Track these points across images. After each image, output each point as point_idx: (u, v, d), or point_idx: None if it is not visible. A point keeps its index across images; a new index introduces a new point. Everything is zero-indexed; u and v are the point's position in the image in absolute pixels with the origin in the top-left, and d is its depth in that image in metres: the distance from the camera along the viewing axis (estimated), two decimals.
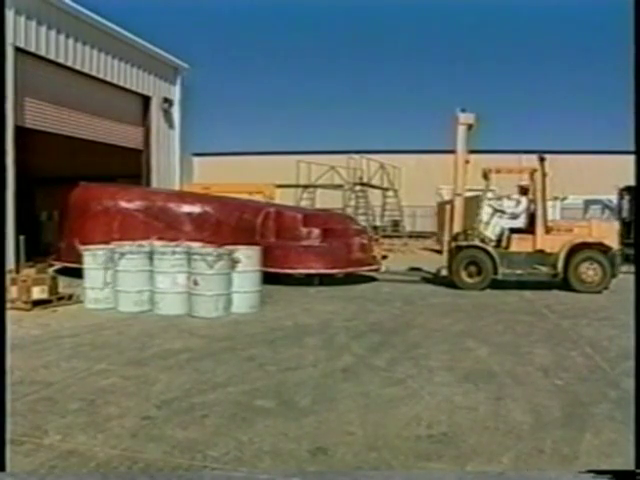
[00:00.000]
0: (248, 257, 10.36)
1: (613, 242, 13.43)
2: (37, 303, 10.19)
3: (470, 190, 27.01)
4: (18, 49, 13.65)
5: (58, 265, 13.99)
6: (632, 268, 13.59)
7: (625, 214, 19.92)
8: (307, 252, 13.97)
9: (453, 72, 73.36)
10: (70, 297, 10.80)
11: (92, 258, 10.65)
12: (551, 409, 5.35)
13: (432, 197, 32.10)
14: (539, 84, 71.11)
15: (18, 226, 12.73)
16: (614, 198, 22.39)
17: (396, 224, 32.94)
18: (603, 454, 4.36)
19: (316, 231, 14.13)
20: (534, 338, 8.47)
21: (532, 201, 14.24)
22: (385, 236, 28.98)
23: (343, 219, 17.13)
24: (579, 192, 27.16)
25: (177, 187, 20.76)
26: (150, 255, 10.33)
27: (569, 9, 58.96)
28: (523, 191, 14.98)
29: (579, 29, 67.91)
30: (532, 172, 13.89)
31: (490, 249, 13.64)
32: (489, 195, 23.78)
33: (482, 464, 4.20)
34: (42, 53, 14.80)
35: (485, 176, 14.19)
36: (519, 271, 13.53)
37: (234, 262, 10.15)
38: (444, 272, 14.20)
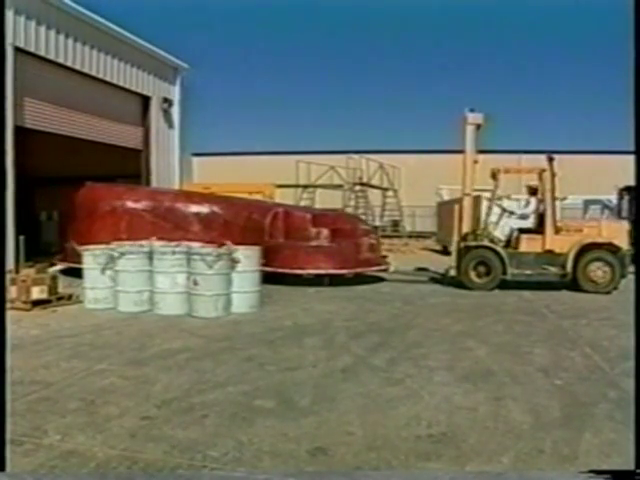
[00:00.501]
0: (247, 257, 10.36)
1: (623, 242, 13.37)
2: (37, 303, 10.19)
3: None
4: (17, 49, 13.66)
5: (61, 266, 13.93)
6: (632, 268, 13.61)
7: (625, 214, 19.91)
8: (317, 252, 13.92)
9: (451, 72, 73.30)
10: (70, 297, 10.80)
11: (92, 258, 10.65)
12: (551, 409, 5.35)
13: (432, 197, 32.09)
14: (536, 84, 71.14)
15: (17, 226, 12.73)
16: (614, 198, 22.39)
17: (396, 224, 32.96)
18: (602, 454, 4.36)
19: (325, 231, 14.09)
20: (534, 338, 8.46)
21: (541, 201, 14.21)
22: (385, 236, 28.96)
23: (351, 219, 17.06)
24: (578, 192, 27.16)
25: (177, 187, 20.76)
26: (150, 255, 10.33)
27: (567, 9, 58.86)
28: (532, 191, 14.93)
29: (576, 28, 67.77)
30: (541, 172, 13.82)
31: (499, 249, 13.60)
32: (487, 195, 23.85)
33: (482, 464, 4.20)
34: (42, 53, 14.81)
35: (494, 176, 14.13)
36: (528, 271, 13.48)
37: (234, 262, 10.16)
38: (453, 272, 14.17)
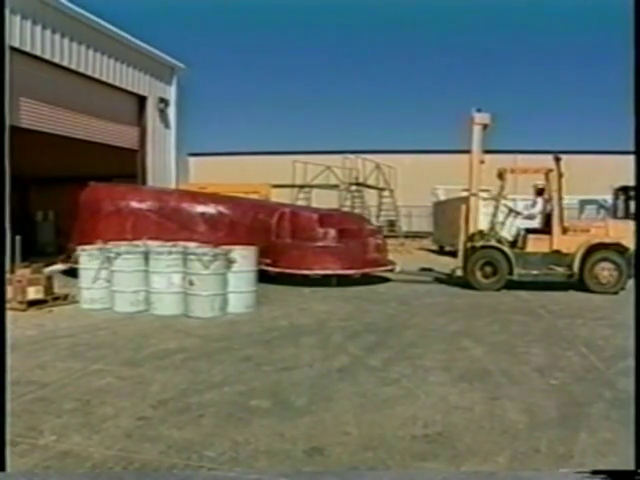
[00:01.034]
0: (244, 257, 10.36)
1: (630, 242, 13.22)
2: (32, 303, 10.17)
3: (465, 190, 27.09)
4: (13, 49, 13.62)
5: (64, 266, 13.83)
6: None
7: (620, 214, 19.94)
8: (324, 253, 13.87)
9: (447, 72, 73.38)
10: (66, 297, 10.79)
11: (87, 258, 10.64)
12: (547, 409, 5.36)
13: (428, 197, 32.11)
14: (530, 84, 71.20)
15: (13, 226, 12.70)
16: (609, 198, 22.42)
17: (392, 224, 32.94)
18: (598, 453, 4.37)
19: (332, 231, 14.05)
20: (530, 338, 8.48)
21: (548, 201, 14.21)
22: None
23: (357, 219, 17.00)
24: (574, 192, 27.18)
25: (173, 187, 20.72)
26: (146, 255, 10.32)
27: (564, 9, 58.93)
28: (538, 191, 14.92)
29: (569, 27, 67.79)
30: (547, 172, 13.80)
31: (506, 249, 13.57)
32: (483, 195, 23.85)
33: (478, 464, 4.20)
34: (37, 53, 14.78)
35: (500, 176, 14.08)
36: (535, 271, 13.46)
37: (230, 262, 10.15)
38: (459, 272, 14.17)
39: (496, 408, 5.36)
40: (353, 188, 30.10)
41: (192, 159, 41.77)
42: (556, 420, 5.08)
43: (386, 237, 29.80)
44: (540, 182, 14.61)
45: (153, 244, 10.97)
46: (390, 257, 15.82)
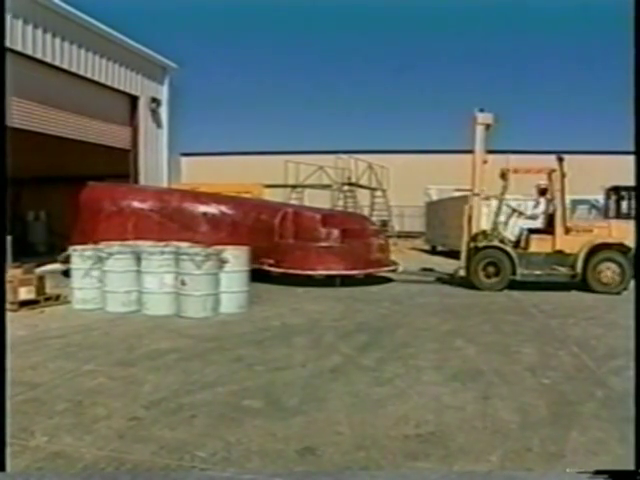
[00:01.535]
0: (236, 257, 10.35)
1: (633, 243, 13.18)
2: (24, 304, 10.14)
3: (458, 190, 27.12)
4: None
5: (62, 267, 13.78)
6: None
7: (612, 214, 20.03)
8: (328, 253, 13.83)
9: (440, 72, 73.48)
10: (57, 297, 10.76)
11: (79, 258, 10.61)
12: (538, 408, 5.38)
13: (420, 197, 32.17)
14: (522, 84, 71.24)
15: (3, 226, 12.63)
16: (601, 198, 22.52)
17: (384, 224, 32.96)
18: (589, 452, 4.39)
19: (335, 231, 14.00)
20: (522, 337, 8.50)
21: (550, 201, 14.24)
22: None
23: (360, 219, 16.91)
24: (566, 192, 27.28)
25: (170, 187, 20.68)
26: (138, 255, 10.30)
27: (565, 9, 59.00)
28: (541, 191, 14.92)
29: (572, 28, 67.88)
30: (550, 172, 13.81)
31: (509, 249, 13.57)
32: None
33: (470, 463, 4.22)
34: (29, 52, 14.72)
35: (503, 176, 14.03)
36: (538, 272, 13.46)
37: (222, 262, 10.14)
38: (462, 272, 14.18)
39: (488, 407, 5.38)
40: (345, 188, 30.11)
41: (184, 159, 41.69)
42: (548, 419, 5.10)
43: None
44: (543, 182, 14.61)
45: (145, 244, 10.95)
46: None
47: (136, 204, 14.34)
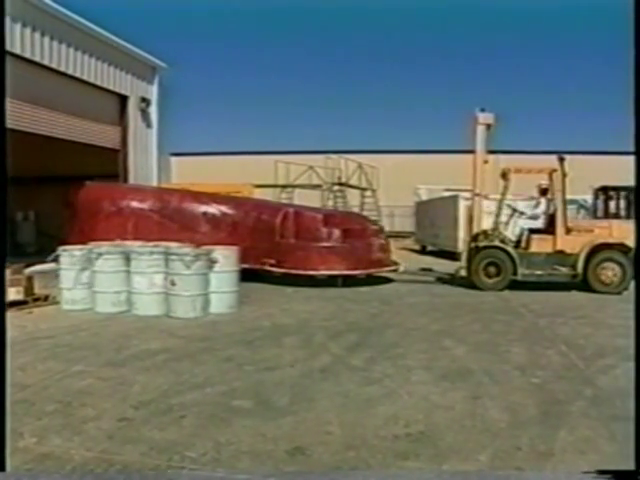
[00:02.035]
0: (226, 257, 10.34)
1: (633, 243, 13.12)
2: (12, 304, 10.07)
3: (448, 190, 27.18)
4: None
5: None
6: None
7: (600, 214, 20.15)
8: (330, 253, 13.81)
9: (435, 71, 73.58)
10: (46, 298, 10.71)
11: (69, 259, 10.57)
12: (527, 407, 5.39)
13: (410, 197, 32.22)
14: (514, 84, 71.43)
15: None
16: (589, 198, 22.65)
17: (374, 224, 32.99)
18: (578, 451, 4.41)
19: (337, 231, 13.99)
20: (511, 337, 8.53)
21: (551, 201, 14.27)
22: None
23: (360, 219, 16.91)
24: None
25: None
26: (127, 255, 10.27)
27: (565, 9, 59.15)
28: (542, 191, 14.93)
29: (573, 28, 68.01)
30: (551, 172, 13.81)
31: (510, 249, 13.60)
32: (466, 195, 23.95)
33: (459, 462, 4.23)
34: (17, 51, 14.65)
35: (504, 176, 14.04)
36: (539, 272, 13.49)
37: (212, 262, 10.13)
38: (463, 273, 14.18)
39: (477, 407, 5.40)
40: (335, 188, 30.14)
41: (174, 159, 41.59)
42: (537, 418, 5.12)
43: None
44: (544, 182, 14.62)
45: (135, 244, 10.92)
46: None
47: (136, 204, 14.28)
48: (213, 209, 14.40)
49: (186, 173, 35.87)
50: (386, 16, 66.77)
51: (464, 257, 13.99)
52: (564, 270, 13.48)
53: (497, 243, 13.72)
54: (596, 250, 13.37)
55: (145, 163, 20.72)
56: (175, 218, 14.04)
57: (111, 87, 18.73)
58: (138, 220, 13.91)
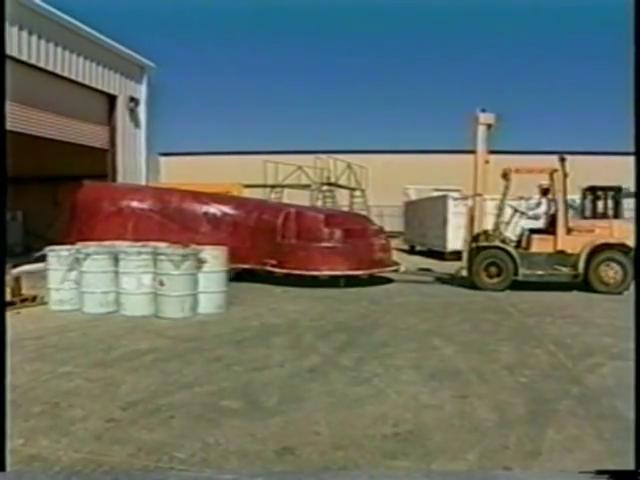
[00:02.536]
0: (214, 257, 10.32)
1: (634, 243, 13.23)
2: None
3: (437, 190, 27.24)
4: None
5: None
6: None
7: (588, 214, 20.22)
8: (332, 253, 13.79)
9: (425, 72, 73.80)
10: (34, 298, 10.66)
11: (56, 259, 10.52)
12: (515, 406, 5.42)
13: (399, 197, 32.28)
14: (515, 84, 71.63)
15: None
16: (577, 198, 22.73)
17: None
18: (565, 449, 4.44)
19: (338, 232, 13.98)
20: (499, 336, 8.56)
21: (551, 201, 14.30)
22: None
23: (361, 219, 16.90)
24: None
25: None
26: (115, 256, 10.23)
27: (565, 9, 59.29)
28: (543, 191, 14.97)
29: (573, 28, 68.18)
30: (552, 172, 13.84)
31: (511, 249, 13.62)
32: (455, 195, 24.03)
33: (448, 461, 4.24)
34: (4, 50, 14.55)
35: (505, 176, 14.03)
36: (540, 272, 13.51)
37: (200, 262, 10.11)
38: (464, 273, 14.20)
39: (466, 406, 5.41)
40: (325, 188, 30.15)
41: (163, 159, 41.51)
42: (525, 417, 5.14)
43: None
44: (544, 182, 14.65)
45: (123, 244, 10.88)
46: None
47: (136, 204, 14.22)
48: (214, 209, 14.36)
49: (175, 173, 35.81)
50: (377, 15, 66.84)
51: (465, 257, 14.01)
52: (565, 270, 13.52)
53: (498, 243, 13.74)
54: (597, 250, 13.41)
55: (134, 163, 20.66)
56: (176, 218, 13.99)
57: (99, 87, 18.66)
58: (138, 220, 13.84)
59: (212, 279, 10.20)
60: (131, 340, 8.05)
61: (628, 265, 13.21)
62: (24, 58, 15.30)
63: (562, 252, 13.59)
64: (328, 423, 4.91)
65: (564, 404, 5.48)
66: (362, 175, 32.22)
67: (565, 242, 13.59)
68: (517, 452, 4.39)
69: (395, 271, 14.91)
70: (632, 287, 12.80)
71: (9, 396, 5.44)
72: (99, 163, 19.35)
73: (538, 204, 15.57)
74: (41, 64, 15.96)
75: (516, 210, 14.92)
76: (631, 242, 13.10)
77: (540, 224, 14.97)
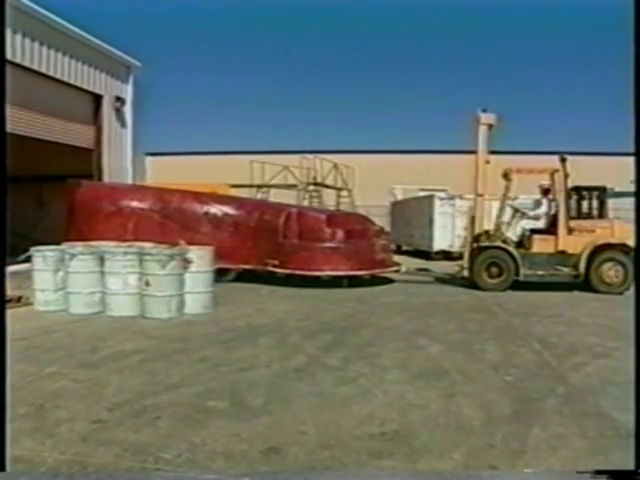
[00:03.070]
0: (200, 257, 10.30)
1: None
2: None
3: (423, 190, 27.31)
4: None
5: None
6: None
7: (573, 214, 20.35)
8: (334, 253, 13.78)
9: (411, 71, 73.87)
10: (19, 299, 10.59)
11: (42, 259, 10.46)
12: (501, 405, 5.44)
13: (385, 197, 32.34)
14: (515, 84, 71.75)
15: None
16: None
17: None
18: (550, 447, 4.46)
19: (340, 232, 13.96)
20: (485, 336, 8.60)
21: (552, 201, 14.34)
22: None
23: (361, 219, 16.92)
24: (529, 192, 27.63)
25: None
26: (101, 256, 10.19)
27: (566, 9, 59.46)
28: (544, 191, 15.02)
29: (573, 28, 68.35)
30: (553, 172, 13.89)
31: (512, 250, 13.65)
32: (441, 195, 24.11)
33: (434, 460, 4.25)
34: None
35: (506, 176, 14.08)
36: (541, 272, 13.56)
37: (186, 262, 10.08)
38: (465, 273, 14.25)
39: (452, 405, 5.43)
40: (311, 188, 30.14)
41: (149, 158, 41.36)
42: (510, 416, 5.17)
43: None
44: (545, 182, 14.69)
45: (109, 244, 10.84)
46: None
47: (136, 204, 14.15)
48: (215, 209, 14.33)
49: (161, 173, 35.67)
50: (363, 14, 66.89)
51: (466, 257, 14.05)
52: (566, 270, 13.57)
53: (499, 243, 13.77)
54: (598, 250, 13.46)
55: (119, 163, 20.54)
56: (176, 218, 13.95)
57: (85, 86, 18.53)
58: (139, 220, 13.78)
59: (198, 279, 10.18)
60: (117, 341, 8.02)
61: (629, 265, 13.25)
62: (8, 57, 15.19)
63: (563, 252, 13.65)
64: (314, 423, 4.92)
65: (549, 403, 5.52)
66: (349, 175, 32.24)
67: (566, 242, 13.65)
68: (503, 451, 4.41)
69: (396, 271, 14.93)
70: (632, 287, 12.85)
71: None
72: (84, 163, 19.22)
73: (538, 204, 15.63)
74: (26, 63, 15.83)
75: (517, 210, 14.97)
76: (632, 242, 13.13)
77: (541, 224, 15.04)
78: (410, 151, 39.00)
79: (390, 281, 14.87)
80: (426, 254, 23.19)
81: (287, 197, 29.09)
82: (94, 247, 10.54)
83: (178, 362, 6.88)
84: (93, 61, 18.73)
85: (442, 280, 15.10)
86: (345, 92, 73.61)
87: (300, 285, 13.40)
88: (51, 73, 16.86)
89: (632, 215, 17.04)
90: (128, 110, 20.87)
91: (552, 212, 14.41)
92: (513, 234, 14.63)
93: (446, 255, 22.97)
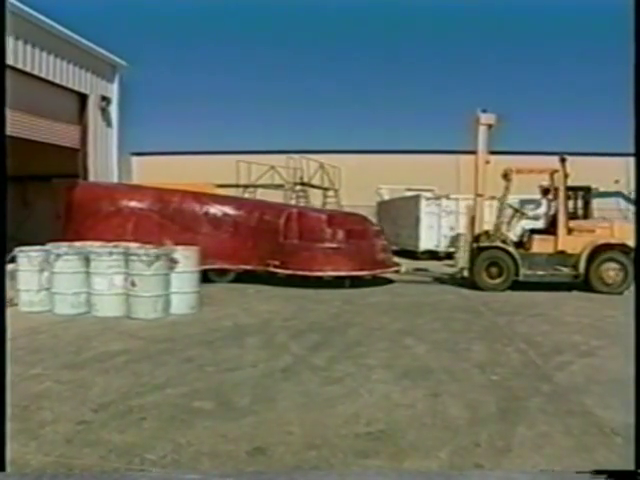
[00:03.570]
0: (186, 257, 10.27)
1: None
2: None
3: (410, 190, 27.32)
4: None
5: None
6: None
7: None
8: (335, 254, 13.77)
9: (401, 70, 73.89)
10: None
11: (27, 260, 10.39)
12: (487, 404, 5.47)
13: (372, 197, 32.37)
14: (514, 84, 71.84)
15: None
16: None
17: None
18: (535, 445, 4.49)
19: (341, 232, 13.95)
20: (471, 335, 8.64)
21: (551, 201, 14.36)
22: None
23: (362, 220, 16.92)
24: (517, 192, 27.73)
25: None
26: (86, 256, 10.13)
27: (566, 9, 59.58)
28: (544, 192, 15.05)
29: (573, 28, 68.46)
30: (553, 172, 13.90)
31: (512, 250, 13.66)
32: (428, 195, 24.15)
33: (420, 459, 4.27)
34: None
35: (506, 176, 14.06)
36: (541, 272, 13.58)
37: (172, 262, 10.05)
38: (465, 273, 14.23)
39: (438, 404, 5.45)
40: (298, 188, 30.13)
41: (135, 158, 41.18)
42: (496, 415, 5.19)
43: None
44: (545, 182, 14.72)
45: (94, 245, 10.78)
46: None
47: (136, 204, 14.07)
48: (215, 209, 14.28)
49: (147, 173, 35.52)
50: (357, 12, 66.80)
51: (466, 257, 14.07)
52: (566, 270, 13.60)
53: (499, 244, 13.79)
54: (598, 250, 13.49)
55: (105, 163, 20.42)
56: (176, 219, 13.89)
57: (70, 85, 18.42)
58: (138, 220, 13.71)
59: (184, 279, 10.15)
60: (102, 341, 7.99)
61: (629, 265, 13.28)
62: None
63: (563, 252, 13.68)
64: (301, 423, 4.92)
65: (534, 401, 5.55)
66: (335, 175, 32.26)
67: (566, 242, 13.68)
68: (488, 449, 4.43)
69: (396, 272, 14.95)
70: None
71: None
72: (70, 163, 19.11)
73: (538, 204, 15.69)
74: (9, 62, 15.73)
75: (517, 210, 15.01)
76: (631, 242, 13.11)
77: (540, 224, 15.08)
78: (397, 151, 39.06)
79: (390, 281, 14.88)
80: (412, 254, 23.23)
81: (274, 197, 29.03)
82: (79, 247, 10.49)
83: (164, 362, 6.85)
84: (78, 60, 18.61)
85: (441, 280, 15.14)
86: (332, 92, 73.55)
87: (292, 285, 13.40)
88: (36, 72, 16.73)
89: (616, 215, 17.22)
90: (114, 109, 20.77)
91: (552, 212, 14.46)
92: (513, 234, 14.68)
93: (432, 255, 23.04)
